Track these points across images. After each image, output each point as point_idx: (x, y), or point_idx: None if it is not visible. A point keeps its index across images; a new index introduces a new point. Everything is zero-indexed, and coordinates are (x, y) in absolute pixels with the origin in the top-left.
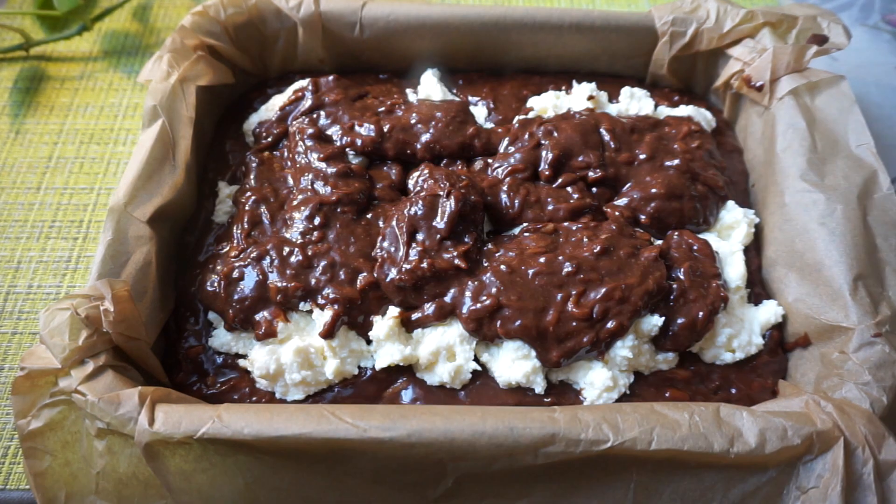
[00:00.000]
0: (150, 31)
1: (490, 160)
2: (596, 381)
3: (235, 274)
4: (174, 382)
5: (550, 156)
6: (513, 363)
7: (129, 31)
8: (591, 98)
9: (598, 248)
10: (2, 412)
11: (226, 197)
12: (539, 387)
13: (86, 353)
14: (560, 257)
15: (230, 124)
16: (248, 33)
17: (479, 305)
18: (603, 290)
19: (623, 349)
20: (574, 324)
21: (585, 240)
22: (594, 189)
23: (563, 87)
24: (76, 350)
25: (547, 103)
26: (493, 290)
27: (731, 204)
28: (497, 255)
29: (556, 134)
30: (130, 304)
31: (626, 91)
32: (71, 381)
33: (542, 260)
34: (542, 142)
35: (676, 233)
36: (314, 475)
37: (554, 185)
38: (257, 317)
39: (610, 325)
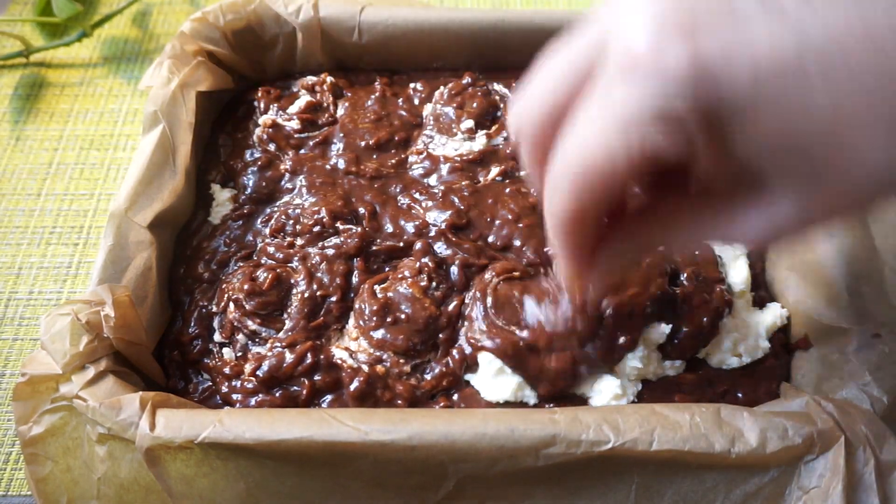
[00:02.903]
0: (149, 37)
1: None
2: (605, 389)
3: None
4: (166, 388)
5: None
6: (493, 379)
7: (128, 38)
8: None
9: None
10: (3, 418)
11: (225, 200)
12: (532, 399)
13: (87, 358)
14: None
15: (226, 121)
16: (247, 39)
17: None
18: (610, 310)
19: (634, 360)
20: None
21: None
22: None
23: None
24: (77, 355)
25: None
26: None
27: None
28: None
29: None
30: (131, 309)
31: None
32: (72, 387)
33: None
34: None
35: None
36: (316, 479)
37: None
38: None
39: (622, 340)
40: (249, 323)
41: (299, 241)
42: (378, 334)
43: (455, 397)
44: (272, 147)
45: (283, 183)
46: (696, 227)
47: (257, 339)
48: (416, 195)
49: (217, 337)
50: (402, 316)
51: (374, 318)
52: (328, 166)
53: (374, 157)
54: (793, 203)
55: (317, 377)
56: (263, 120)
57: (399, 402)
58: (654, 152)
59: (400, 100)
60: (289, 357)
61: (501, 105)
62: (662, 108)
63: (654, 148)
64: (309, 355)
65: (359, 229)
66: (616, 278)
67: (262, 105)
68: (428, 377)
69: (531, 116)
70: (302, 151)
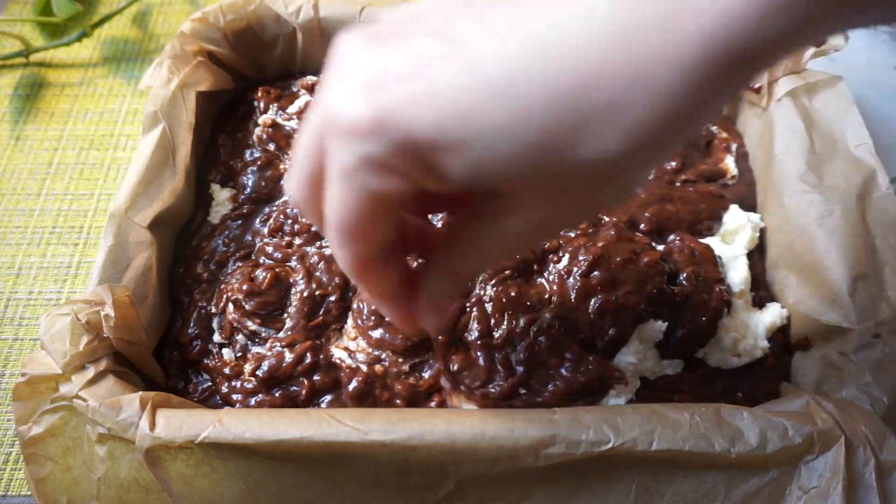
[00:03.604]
0: (149, 37)
1: None
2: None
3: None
4: (166, 388)
5: None
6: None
7: (128, 38)
8: None
9: (590, 259)
10: (2, 418)
11: (224, 200)
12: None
13: (87, 358)
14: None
15: (226, 121)
16: (247, 39)
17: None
18: (598, 305)
19: (627, 355)
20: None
21: (581, 257)
22: None
23: None
24: (77, 355)
25: None
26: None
27: (734, 208)
28: (490, 285)
29: None
30: (131, 309)
31: None
32: (72, 387)
33: (532, 292)
34: None
35: (678, 237)
36: (315, 479)
37: None
38: None
39: (611, 332)
40: (249, 323)
41: (297, 241)
42: (376, 333)
43: None
44: (272, 147)
45: (282, 182)
46: (481, 242)
47: (257, 340)
48: None
49: (217, 338)
50: None
51: (373, 318)
52: None
53: None
54: (537, 209)
55: (316, 377)
56: (263, 120)
57: (398, 401)
58: (383, 193)
59: None
60: (288, 357)
61: None
62: (364, 156)
63: (381, 189)
64: (308, 355)
65: None
66: (446, 316)
67: (261, 105)
68: (426, 375)
69: (297, 188)
70: None
